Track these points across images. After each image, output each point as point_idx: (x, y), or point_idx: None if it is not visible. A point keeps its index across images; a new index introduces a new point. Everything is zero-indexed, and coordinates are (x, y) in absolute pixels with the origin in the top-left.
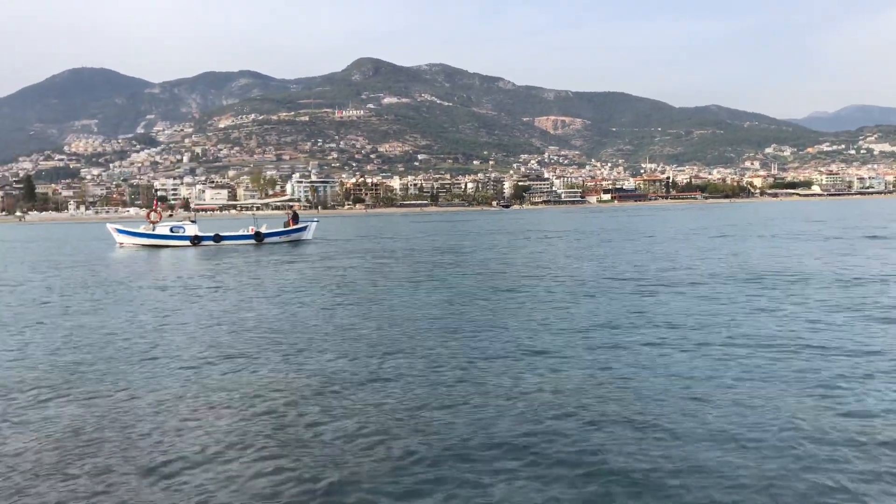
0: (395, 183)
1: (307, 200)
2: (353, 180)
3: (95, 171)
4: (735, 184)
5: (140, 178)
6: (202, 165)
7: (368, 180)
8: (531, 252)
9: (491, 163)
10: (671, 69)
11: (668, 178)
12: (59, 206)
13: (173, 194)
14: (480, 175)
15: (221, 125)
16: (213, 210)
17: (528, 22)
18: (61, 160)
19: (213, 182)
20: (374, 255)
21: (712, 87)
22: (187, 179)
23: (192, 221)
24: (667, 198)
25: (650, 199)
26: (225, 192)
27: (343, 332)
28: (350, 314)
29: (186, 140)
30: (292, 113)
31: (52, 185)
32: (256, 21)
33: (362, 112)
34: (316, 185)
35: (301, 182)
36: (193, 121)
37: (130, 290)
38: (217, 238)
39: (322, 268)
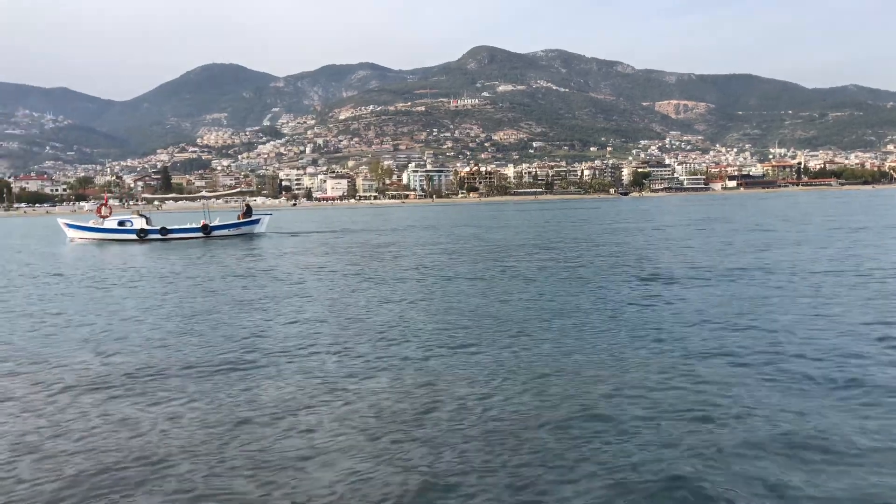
0: (510, 171)
1: (422, 189)
2: (468, 169)
3: (225, 162)
4: (875, 169)
5: (266, 169)
6: (323, 156)
7: (482, 169)
8: None
9: (608, 149)
10: (803, 48)
11: (800, 163)
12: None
13: (297, 184)
14: (597, 162)
15: (342, 117)
16: (333, 200)
17: (649, 4)
18: (194, 152)
19: (333, 172)
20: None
21: (850, 65)
22: (310, 170)
23: (141, 215)
24: (798, 184)
25: (779, 186)
26: (345, 182)
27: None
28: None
29: (309, 132)
30: (409, 103)
31: (186, 175)
32: (375, 13)
33: (477, 101)
34: (431, 174)
35: (416, 171)
36: (315, 113)
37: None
38: (164, 231)
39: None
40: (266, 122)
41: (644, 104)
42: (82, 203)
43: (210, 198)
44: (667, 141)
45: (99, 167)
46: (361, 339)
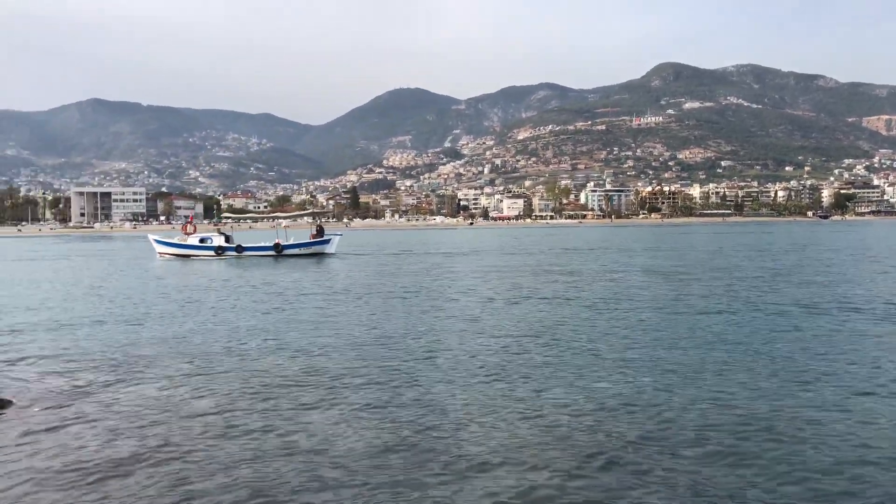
0: (695, 191)
1: (600, 209)
2: (649, 189)
3: (408, 183)
4: None
5: (445, 189)
6: (501, 176)
7: (665, 188)
8: None
9: (806, 169)
10: None
11: None
12: (378, 214)
13: (474, 204)
14: (793, 182)
15: (520, 137)
16: (508, 219)
17: (855, 11)
18: (380, 173)
19: (510, 192)
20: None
21: None
22: (487, 190)
23: (221, 233)
24: None
25: None
26: (521, 202)
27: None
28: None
29: (487, 152)
30: (588, 122)
31: (373, 195)
32: (557, 34)
33: (661, 118)
34: (610, 193)
35: (595, 191)
36: (494, 134)
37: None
38: (239, 249)
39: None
40: (447, 144)
41: (849, 120)
42: (280, 220)
43: (282, 217)
44: (875, 160)
45: (295, 186)
46: (542, 355)
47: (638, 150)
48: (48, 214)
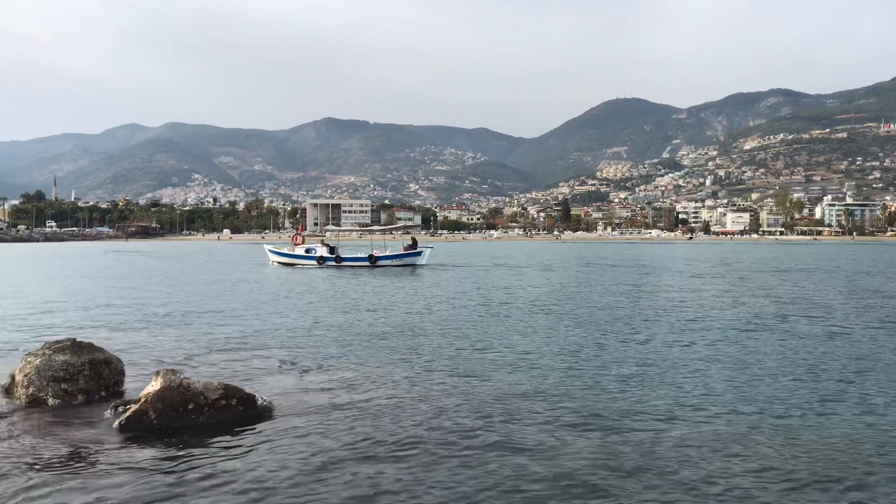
0: None
1: (839, 225)
2: None
3: (622, 195)
4: None
5: (663, 201)
6: (724, 188)
7: None
8: None
9: None
10: None
11: None
12: (590, 227)
13: (694, 217)
14: None
15: (746, 147)
16: (732, 234)
17: None
18: (593, 185)
19: (734, 205)
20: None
21: None
22: (708, 202)
23: (325, 244)
24: None
25: None
26: (747, 216)
27: None
28: None
29: (710, 163)
30: (826, 130)
31: (584, 207)
32: (788, 37)
33: None
34: (851, 208)
35: (833, 205)
36: (718, 143)
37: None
38: (338, 259)
39: None
40: (665, 154)
41: None
42: (492, 231)
43: (366, 231)
44: None
45: (507, 199)
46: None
47: (887, 160)
48: (287, 224)
